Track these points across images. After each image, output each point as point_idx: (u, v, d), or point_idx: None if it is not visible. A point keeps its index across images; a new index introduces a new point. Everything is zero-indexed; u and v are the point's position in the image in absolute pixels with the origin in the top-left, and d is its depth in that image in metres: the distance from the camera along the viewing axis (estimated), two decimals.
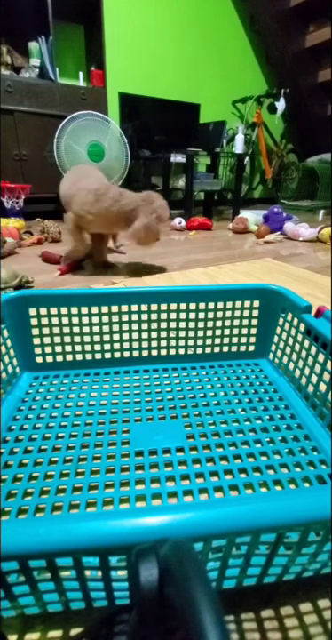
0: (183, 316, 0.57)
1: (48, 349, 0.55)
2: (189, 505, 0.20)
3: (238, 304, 0.57)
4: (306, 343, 0.49)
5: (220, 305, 0.57)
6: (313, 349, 0.48)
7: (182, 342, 0.58)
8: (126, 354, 0.57)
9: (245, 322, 0.58)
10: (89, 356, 0.56)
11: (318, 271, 1.24)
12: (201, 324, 0.57)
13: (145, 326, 0.56)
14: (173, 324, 0.57)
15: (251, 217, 2.12)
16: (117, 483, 0.36)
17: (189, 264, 1.33)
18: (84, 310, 0.53)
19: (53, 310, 0.52)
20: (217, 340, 0.59)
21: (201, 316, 0.57)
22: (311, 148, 3.50)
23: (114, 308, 0.54)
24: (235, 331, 0.58)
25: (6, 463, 0.39)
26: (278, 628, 0.26)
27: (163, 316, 0.56)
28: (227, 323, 0.58)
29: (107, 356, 0.57)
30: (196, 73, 3.08)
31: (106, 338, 0.56)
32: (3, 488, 0.35)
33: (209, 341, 0.59)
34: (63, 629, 0.26)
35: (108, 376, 0.55)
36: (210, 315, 0.57)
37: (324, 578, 0.28)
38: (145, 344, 0.57)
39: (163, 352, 0.58)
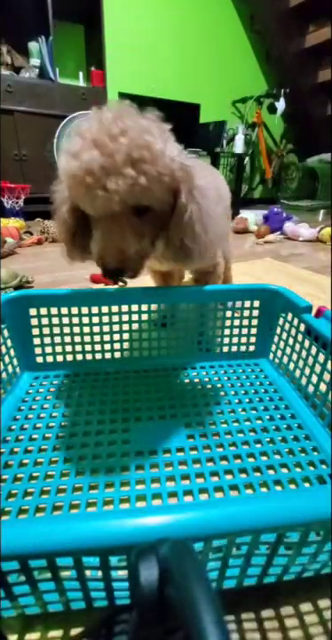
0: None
1: (48, 349, 0.55)
2: (189, 505, 0.20)
3: (238, 304, 0.57)
4: (306, 343, 0.49)
5: (220, 305, 0.57)
6: (313, 349, 0.48)
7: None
8: (126, 354, 0.57)
9: (245, 322, 0.58)
10: (89, 356, 0.56)
11: (318, 271, 1.24)
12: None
13: (145, 326, 0.56)
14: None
15: (251, 217, 2.11)
16: (117, 482, 0.36)
17: None
18: (84, 310, 0.53)
19: (53, 310, 0.52)
20: (218, 340, 0.59)
21: None
22: (311, 148, 3.50)
23: (115, 308, 0.54)
24: (235, 331, 0.58)
25: (6, 463, 0.39)
26: (278, 628, 0.26)
27: None
28: (227, 323, 0.58)
29: (107, 356, 0.57)
30: (196, 73, 3.07)
31: (107, 338, 0.55)
32: (3, 488, 0.35)
33: None
34: (63, 629, 0.26)
35: (108, 376, 0.55)
36: (211, 315, 0.57)
37: (324, 578, 0.28)
38: (145, 344, 0.57)
39: (164, 352, 0.58)
